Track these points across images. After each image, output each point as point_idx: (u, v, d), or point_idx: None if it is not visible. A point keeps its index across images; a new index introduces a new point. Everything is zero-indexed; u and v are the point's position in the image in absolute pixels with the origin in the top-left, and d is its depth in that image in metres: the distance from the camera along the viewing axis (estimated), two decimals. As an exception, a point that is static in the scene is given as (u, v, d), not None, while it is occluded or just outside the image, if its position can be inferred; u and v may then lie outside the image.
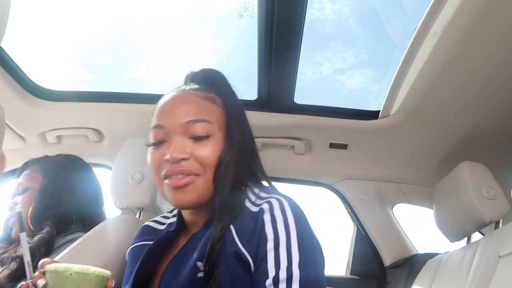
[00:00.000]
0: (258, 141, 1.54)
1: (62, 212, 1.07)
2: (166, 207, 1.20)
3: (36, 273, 0.56)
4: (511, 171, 1.49)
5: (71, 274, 0.53)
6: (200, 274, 0.60)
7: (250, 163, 0.73)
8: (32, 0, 1.33)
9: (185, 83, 0.78)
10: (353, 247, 1.70)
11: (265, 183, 0.75)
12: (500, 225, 1.17)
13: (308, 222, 0.64)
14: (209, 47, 1.58)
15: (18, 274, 0.91)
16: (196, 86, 0.75)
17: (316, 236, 0.64)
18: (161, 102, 0.72)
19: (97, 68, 1.65)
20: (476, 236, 1.34)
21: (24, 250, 0.58)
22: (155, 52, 1.60)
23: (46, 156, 1.20)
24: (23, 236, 0.59)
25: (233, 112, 0.73)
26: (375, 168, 1.64)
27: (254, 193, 0.69)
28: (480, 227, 1.17)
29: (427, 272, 1.31)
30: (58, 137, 1.56)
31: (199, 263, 0.61)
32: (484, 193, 1.14)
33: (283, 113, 1.42)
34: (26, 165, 1.16)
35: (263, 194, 0.68)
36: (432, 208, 1.43)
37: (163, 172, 0.67)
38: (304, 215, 0.64)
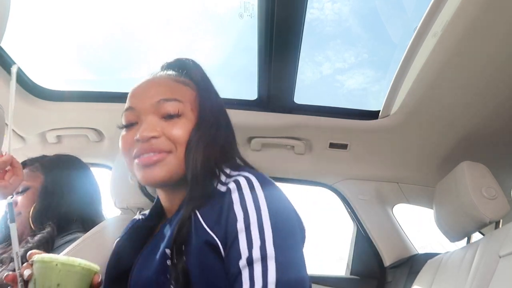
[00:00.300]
0: (258, 141, 1.54)
1: (63, 212, 1.07)
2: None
3: (24, 264, 0.56)
4: (511, 171, 1.49)
5: (56, 264, 0.52)
6: (169, 262, 0.57)
7: (225, 146, 0.71)
8: (32, 0, 1.33)
9: (160, 70, 0.78)
10: (353, 247, 1.70)
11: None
12: (500, 225, 1.17)
13: (281, 197, 0.60)
14: (209, 47, 1.58)
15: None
16: (169, 72, 0.75)
17: (293, 210, 0.61)
18: (134, 86, 0.72)
19: (97, 68, 1.65)
20: (476, 236, 1.34)
21: (13, 240, 0.58)
22: (155, 52, 1.60)
23: (45, 156, 1.20)
24: (13, 227, 0.60)
25: (206, 95, 0.72)
26: (375, 168, 1.64)
27: (225, 173, 0.66)
28: (480, 227, 1.17)
29: (427, 272, 1.31)
30: (58, 137, 1.56)
31: (167, 250, 0.58)
32: (484, 193, 1.14)
33: (283, 113, 1.42)
34: (24, 164, 1.16)
35: (233, 173, 0.65)
36: (432, 208, 1.43)
37: (133, 152, 0.66)
38: (277, 189, 0.61)
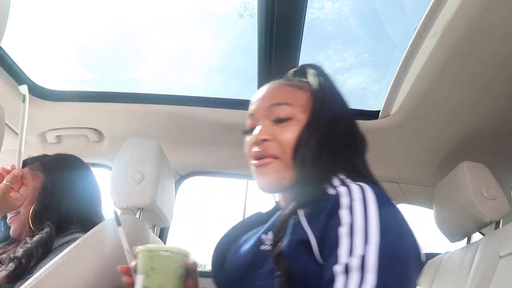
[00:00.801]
0: (258, 141, 1.53)
1: (63, 212, 1.06)
2: (166, 207, 1.20)
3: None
4: (511, 171, 1.49)
5: (148, 251, 0.61)
6: (263, 247, 0.59)
7: (342, 152, 0.69)
8: (32, 0, 1.33)
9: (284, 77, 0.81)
10: (353, 247, 1.69)
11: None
12: (500, 225, 1.17)
13: (398, 217, 0.55)
14: (209, 46, 1.58)
15: (17, 274, 0.90)
16: (287, 77, 0.79)
17: (410, 235, 0.54)
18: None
19: (97, 68, 1.65)
20: (476, 236, 1.34)
21: (123, 240, 0.70)
22: (155, 52, 1.61)
23: (46, 155, 1.19)
24: (121, 230, 0.72)
25: (320, 96, 0.71)
26: (375, 168, 1.62)
27: (339, 178, 0.63)
28: (480, 227, 1.17)
29: (427, 272, 1.31)
30: (58, 137, 1.56)
31: (263, 236, 0.61)
32: (484, 193, 1.14)
33: (283, 113, 1.42)
34: (25, 163, 1.14)
35: (347, 181, 0.61)
36: (432, 208, 1.43)
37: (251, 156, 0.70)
38: (395, 208, 0.56)
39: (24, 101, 0.84)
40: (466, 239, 1.29)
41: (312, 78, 0.75)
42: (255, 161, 0.69)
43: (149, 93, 1.44)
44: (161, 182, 1.11)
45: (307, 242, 0.54)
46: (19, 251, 0.95)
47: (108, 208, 1.21)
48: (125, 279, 0.65)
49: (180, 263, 0.62)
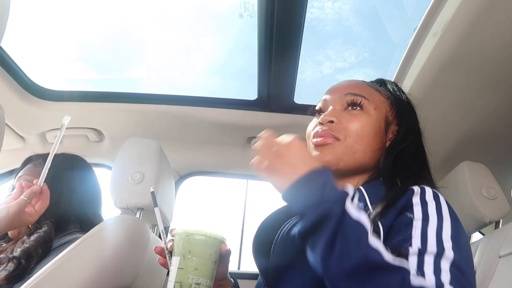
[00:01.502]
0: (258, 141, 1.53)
1: (61, 211, 1.05)
2: (166, 207, 1.20)
3: (168, 239, 0.67)
4: (511, 171, 1.49)
5: (186, 235, 0.61)
6: None
7: (408, 161, 0.70)
8: (32, 0, 1.33)
9: None
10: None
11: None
12: (500, 225, 1.17)
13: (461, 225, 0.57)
14: (209, 46, 1.58)
15: (16, 274, 0.90)
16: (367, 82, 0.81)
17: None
18: None
19: (97, 68, 1.65)
20: (476, 236, 1.34)
21: (158, 220, 0.71)
22: (155, 51, 1.60)
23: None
24: (157, 211, 0.73)
25: (400, 106, 0.75)
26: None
27: (414, 180, 0.66)
28: (480, 227, 1.17)
29: (427, 272, 1.31)
30: (58, 137, 1.56)
31: None
32: (484, 193, 1.14)
33: (283, 113, 1.42)
34: (29, 159, 1.14)
35: (420, 182, 0.65)
36: (432, 208, 1.43)
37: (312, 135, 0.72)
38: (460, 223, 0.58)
39: (60, 129, 0.84)
40: (466, 239, 1.29)
41: (390, 87, 0.79)
42: (316, 139, 0.69)
43: (149, 93, 1.44)
44: (161, 182, 1.11)
45: (377, 235, 0.54)
46: (17, 251, 0.94)
47: (108, 208, 1.21)
48: (159, 259, 0.68)
49: (216, 248, 0.63)
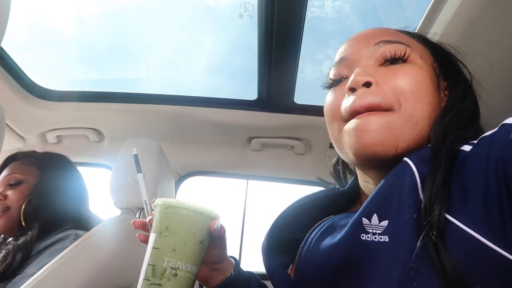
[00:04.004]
0: (258, 141, 1.54)
1: (56, 211, 1.05)
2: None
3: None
4: None
5: (166, 208, 0.49)
6: (366, 236, 0.44)
7: (464, 124, 0.50)
8: (32, 0, 1.33)
9: None
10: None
11: None
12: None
13: None
14: (209, 47, 1.58)
15: (3, 274, 0.89)
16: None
17: None
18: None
19: (97, 68, 1.65)
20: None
21: (142, 190, 0.68)
22: (155, 51, 1.60)
23: (35, 151, 1.16)
24: (140, 177, 0.69)
25: (444, 55, 0.56)
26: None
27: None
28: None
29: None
30: (58, 137, 1.56)
31: (364, 219, 0.45)
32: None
33: (283, 113, 1.42)
34: (14, 157, 1.11)
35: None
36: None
37: (342, 115, 0.50)
38: None
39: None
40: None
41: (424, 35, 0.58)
42: (358, 118, 0.47)
43: (149, 93, 1.44)
44: (161, 182, 1.11)
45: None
46: (3, 252, 0.93)
47: (108, 208, 1.21)
48: (139, 235, 0.55)
49: (202, 225, 0.49)
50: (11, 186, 1.04)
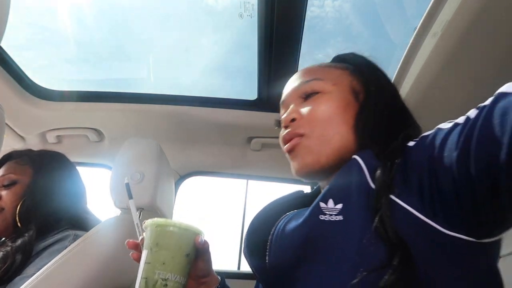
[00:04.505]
0: (258, 141, 1.54)
1: (52, 209, 1.03)
2: (166, 207, 1.20)
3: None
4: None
5: (156, 226, 0.56)
6: (324, 217, 0.54)
7: (387, 113, 0.61)
8: (32, 0, 1.33)
9: None
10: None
11: None
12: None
13: None
14: (209, 47, 1.58)
15: (3, 276, 0.87)
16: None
17: None
18: None
19: (97, 68, 1.65)
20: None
21: (133, 215, 0.69)
22: (155, 51, 1.60)
23: (31, 150, 1.14)
24: (132, 203, 0.71)
25: (361, 70, 0.67)
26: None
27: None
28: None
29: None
30: (58, 137, 1.56)
31: (322, 204, 0.55)
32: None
33: (283, 113, 1.42)
34: (9, 156, 1.08)
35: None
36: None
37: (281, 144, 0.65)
38: None
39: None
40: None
41: (346, 57, 0.72)
42: (285, 146, 0.63)
43: (149, 93, 1.44)
44: (161, 182, 1.11)
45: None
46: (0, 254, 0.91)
47: (108, 208, 1.21)
48: (132, 254, 0.61)
49: (187, 240, 0.56)
50: (5, 187, 1.02)
